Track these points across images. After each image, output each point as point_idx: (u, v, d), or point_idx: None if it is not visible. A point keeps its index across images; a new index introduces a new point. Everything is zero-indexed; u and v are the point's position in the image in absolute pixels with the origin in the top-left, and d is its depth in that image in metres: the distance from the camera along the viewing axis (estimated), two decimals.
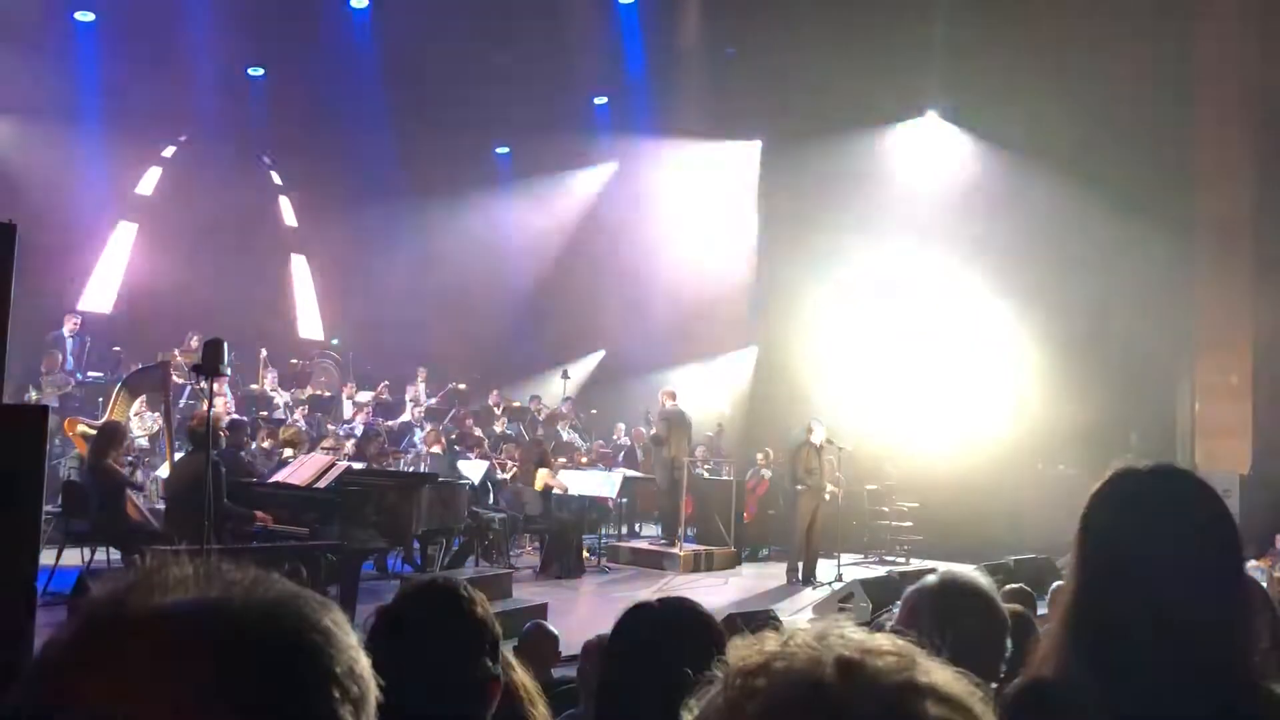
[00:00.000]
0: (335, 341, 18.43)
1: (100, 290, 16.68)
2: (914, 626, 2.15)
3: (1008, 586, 5.47)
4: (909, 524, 14.83)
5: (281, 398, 15.14)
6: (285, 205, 19.91)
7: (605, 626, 2.47)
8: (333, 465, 9.16)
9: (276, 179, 19.67)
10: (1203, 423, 14.38)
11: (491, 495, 12.69)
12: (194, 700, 0.65)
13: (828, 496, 12.52)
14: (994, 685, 2.18)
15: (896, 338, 16.85)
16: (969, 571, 2.49)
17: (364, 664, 0.73)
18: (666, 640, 2.04)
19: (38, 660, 0.69)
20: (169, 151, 17.71)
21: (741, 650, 0.74)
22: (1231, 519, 1.60)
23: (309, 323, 20.02)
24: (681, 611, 2.17)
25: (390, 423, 15.41)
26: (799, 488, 12.26)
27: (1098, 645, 1.55)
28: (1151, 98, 13.69)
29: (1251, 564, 9.95)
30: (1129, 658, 1.51)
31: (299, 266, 20.07)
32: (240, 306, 15.72)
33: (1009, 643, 2.31)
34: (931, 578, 2.35)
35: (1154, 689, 1.47)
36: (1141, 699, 1.48)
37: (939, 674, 0.71)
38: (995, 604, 2.32)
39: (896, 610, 2.42)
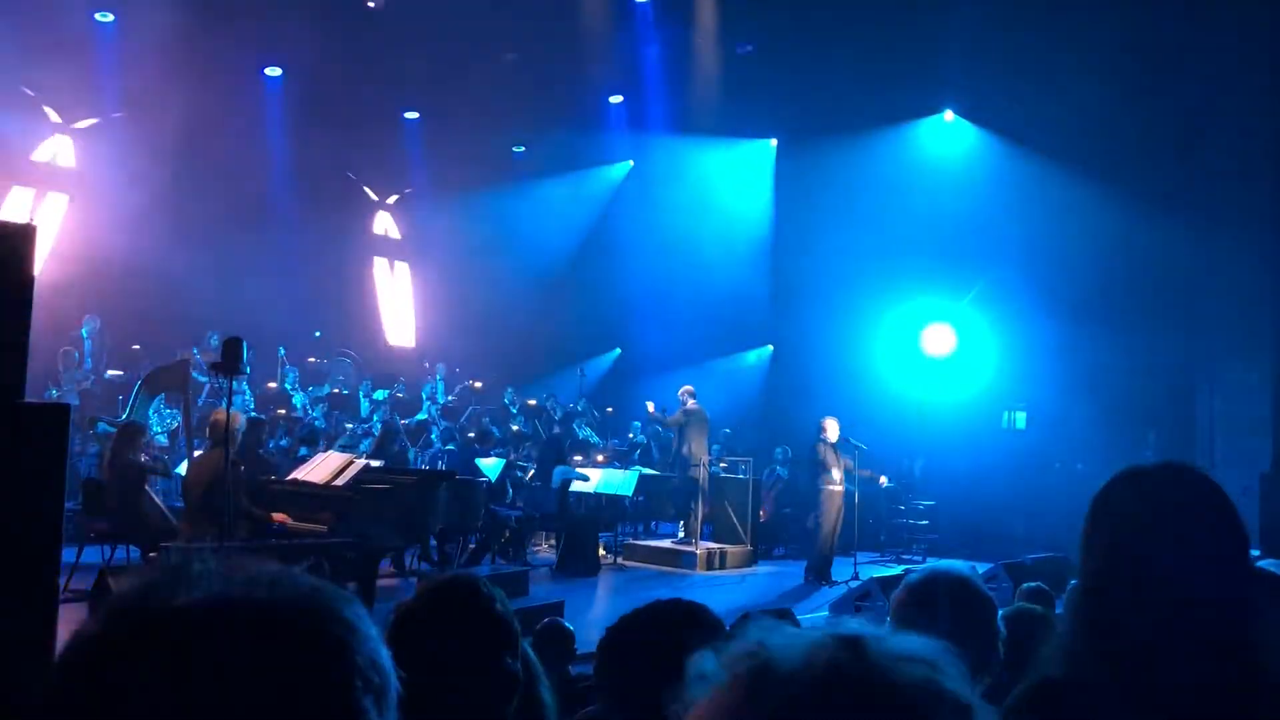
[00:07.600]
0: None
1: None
2: (903, 620, 2.25)
3: (1025, 585, 5.44)
4: (926, 522, 14.79)
5: (300, 397, 15.19)
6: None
7: None
8: (351, 463, 9.17)
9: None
10: (1223, 420, 14.27)
11: (509, 493, 12.71)
12: (218, 694, 0.65)
13: (883, 482, 13.43)
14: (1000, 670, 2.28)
15: (913, 335, 16.80)
16: (949, 562, 2.57)
17: (385, 656, 0.74)
18: (665, 639, 2.02)
19: (62, 657, 0.69)
20: None
21: (746, 639, 0.74)
22: (1236, 512, 1.59)
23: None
24: (677, 611, 2.16)
25: (407, 420, 15.44)
26: (820, 487, 12.08)
27: (1106, 643, 1.55)
28: (1172, 94, 13.58)
29: (1272, 561, 9.85)
30: (1137, 655, 1.51)
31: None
32: (257, 305, 15.67)
33: (1000, 624, 2.38)
34: (913, 574, 2.43)
35: (1162, 685, 1.48)
36: (1150, 695, 1.48)
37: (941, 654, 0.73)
38: (975, 587, 2.39)
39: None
